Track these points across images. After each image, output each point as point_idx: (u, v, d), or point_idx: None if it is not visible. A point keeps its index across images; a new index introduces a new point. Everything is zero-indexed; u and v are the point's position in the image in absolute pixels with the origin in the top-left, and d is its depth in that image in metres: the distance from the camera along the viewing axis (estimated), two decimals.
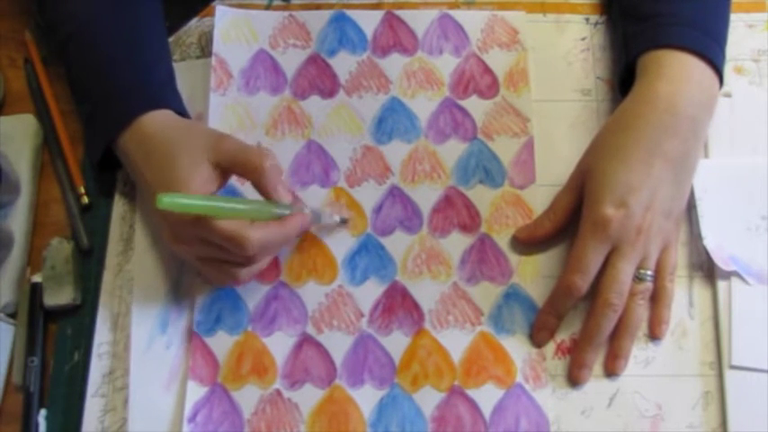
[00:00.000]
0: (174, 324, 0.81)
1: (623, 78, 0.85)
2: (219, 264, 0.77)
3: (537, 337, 0.80)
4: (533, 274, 0.82)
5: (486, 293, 0.82)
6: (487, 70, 0.92)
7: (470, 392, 0.78)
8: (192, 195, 0.73)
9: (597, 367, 0.79)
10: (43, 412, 0.79)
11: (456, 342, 0.80)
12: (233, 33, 0.93)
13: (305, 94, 0.91)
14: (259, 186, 0.77)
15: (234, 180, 0.84)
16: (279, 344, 0.80)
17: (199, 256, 0.78)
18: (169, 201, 0.69)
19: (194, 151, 0.76)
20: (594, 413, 0.78)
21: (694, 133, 0.79)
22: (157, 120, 0.80)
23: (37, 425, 0.78)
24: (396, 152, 0.88)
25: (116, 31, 0.85)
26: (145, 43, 0.86)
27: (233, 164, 0.76)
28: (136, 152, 0.79)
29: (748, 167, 0.85)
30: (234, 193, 0.84)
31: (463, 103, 0.90)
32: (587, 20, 0.94)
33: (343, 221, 0.85)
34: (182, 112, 0.84)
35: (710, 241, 0.81)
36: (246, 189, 0.84)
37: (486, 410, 0.77)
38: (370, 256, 0.84)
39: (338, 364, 0.79)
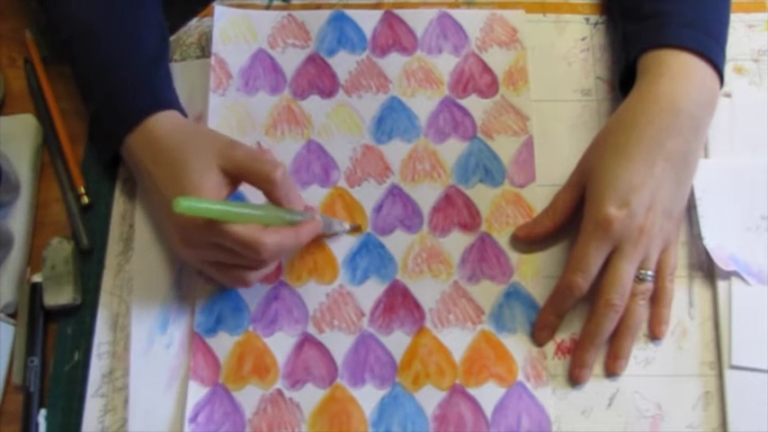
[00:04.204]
0: (174, 324, 0.81)
1: (623, 78, 0.85)
2: (228, 268, 0.77)
3: (538, 336, 0.80)
4: (534, 273, 0.83)
5: (486, 292, 0.82)
6: (487, 69, 0.92)
7: (472, 391, 0.78)
8: (208, 200, 0.73)
9: (597, 367, 0.79)
10: (43, 412, 0.79)
11: (457, 341, 0.80)
12: (232, 33, 0.93)
13: (304, 94, 0.91)
14: (271, 196, 0.76)
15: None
16: (280, 344, 0.80)
17: (208, 260, 0.77)
18: (187, 204, 0.69)
19: (205, 157, 0.76)
20: (594, 413, 0.78)
21: (695, 132, 0.79)
22: (165, 122, 0.80)
23: (37, 425, 0.78)
24: (396, 151, 0.88)
25: (116, 31, 0.85)
26: (144, 42, 0.86)
27: (244, 173, 0.76)
28: (143, 154, 0.79)
29: (748, 167, 0.85)
30: (240, 198, 0.84)
31: (463, 102, 0.91)
32: (587, 20, 0.94)
33: (354, 229, 0.85)
34: (183, 112, 0.84)
35: (710, 241, 0.81)
36: (251, 193, 0.84)
37: (488, 409, 0.77)
38: (370, 255, 0.84)
39: (339, 363, 0.79)
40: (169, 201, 0.71)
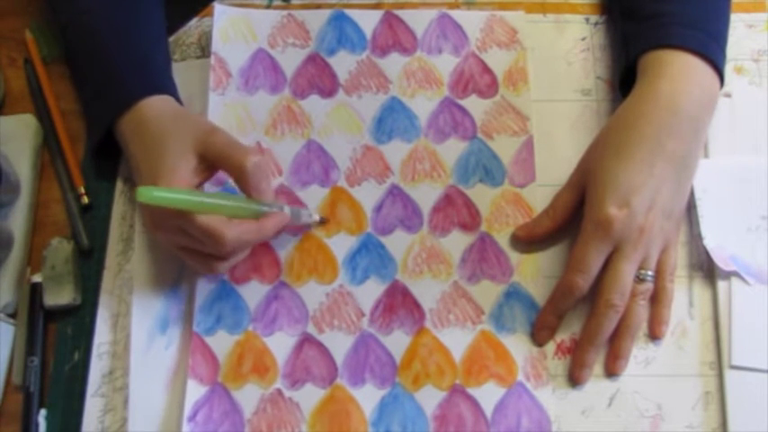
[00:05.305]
0: (173, 324, 0.81)
1: (623, 78, 0.85)
2: (197, 254, 0.78)
3: (538, 336, 0.80)
4: (534, 273, 0.82)
5: (486, 292, 0.82)
6: (486, 69, 0.92)
7: (472, 391, 0.78)
8: (172, 189, 0.73)
9: (597, 367, 0.79)
10: (43, 412, 0.79)
11: (457, 341, 0.80)
12: (232, 32, 0.93)
13: (304, 94, 0.91)
14: (241, 185, 0.77)
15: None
16: (280, 343, 0.80)
17: (178, 245, 0.78)
18: (148, 194, 0.70)
19: (183, 141, 0.76)
20: (594, 413, 0.78)
21: (695, 133, 0.79)
22: (156, 106, 0.80)
23: (37, 425, 0.78)
24: (396, 151, 0.88)
25: (116, 16, 0.85)
26: (143, 28, 0.87)
27: (217, 159, 0.77)
28: (132, 137, 0.80)
29: (748, 167, 0.85)
30: (230, 191, 0.84)
31: (462, 102, 0.91)
32: (587, 20, 0.94)
33: (322, 221, 0.85)
34: (178, 99, 0.84)
35: (710, 241, 0.81)
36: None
37: (488, 409, 0.77)
38: (370, 255, 0.84)
39: (339, 363, 0.79)
40: (144, 183, 0.72)
